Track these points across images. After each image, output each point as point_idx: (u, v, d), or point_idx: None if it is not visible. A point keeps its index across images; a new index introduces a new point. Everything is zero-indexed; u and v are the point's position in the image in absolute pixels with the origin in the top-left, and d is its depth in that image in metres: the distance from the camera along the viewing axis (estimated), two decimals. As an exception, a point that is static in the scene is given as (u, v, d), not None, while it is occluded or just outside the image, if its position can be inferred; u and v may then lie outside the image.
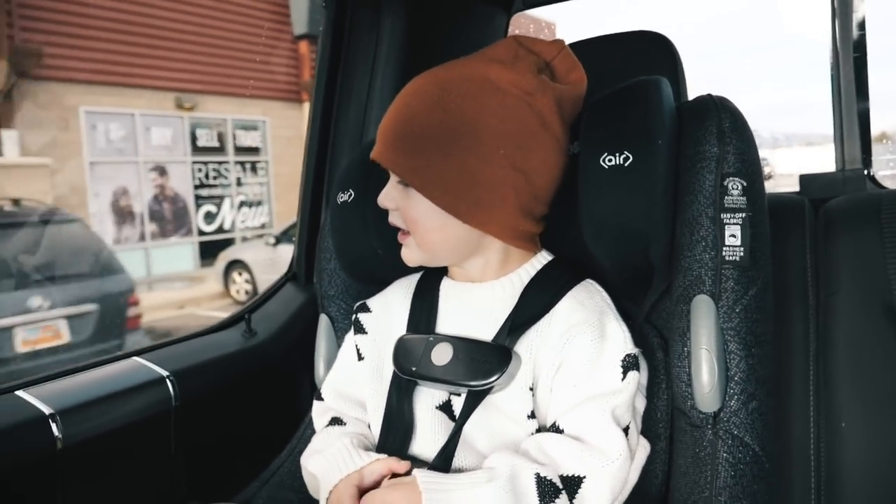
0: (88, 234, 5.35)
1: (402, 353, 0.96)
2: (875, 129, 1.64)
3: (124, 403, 1.21)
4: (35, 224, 4.73)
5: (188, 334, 1.51)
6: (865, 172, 1.55)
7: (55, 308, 4.10)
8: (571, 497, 0.82)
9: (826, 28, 1.67)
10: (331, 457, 0.94)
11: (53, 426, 1.09)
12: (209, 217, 10.46)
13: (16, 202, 5.18)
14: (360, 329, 1.08)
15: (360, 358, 1.06)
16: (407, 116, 0.91)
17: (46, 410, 1.10)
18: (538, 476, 0.82)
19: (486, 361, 0.89)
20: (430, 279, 1.04)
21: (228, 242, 10.30)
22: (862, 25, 1.62)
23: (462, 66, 0.93)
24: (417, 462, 0.93)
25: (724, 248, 0.91)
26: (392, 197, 0.95)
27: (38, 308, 4.06)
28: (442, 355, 0.92)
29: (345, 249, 1.17)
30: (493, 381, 0.88)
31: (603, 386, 0.87)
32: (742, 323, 0.90)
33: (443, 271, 1.04)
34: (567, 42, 1.49)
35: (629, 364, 0.88)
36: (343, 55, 1.63)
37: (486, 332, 0.94)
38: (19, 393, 1.13)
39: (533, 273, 0.97)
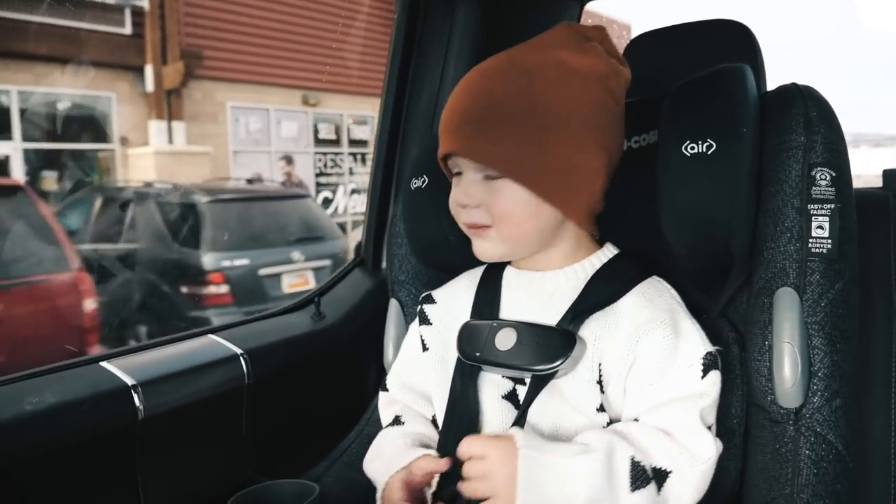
0: (318, 208, 6.97)
1: (466, 338, 0.96)
2: None
3: (201, 378, 1.25)
4: (285, 198, 6.52)
5: (260, 315, 1.55)
6: (955, 168, 1.49)
7: (307, 261, 5.62)
8: (658, 490, 0.81)
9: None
10: (385, 458, 0.97)
11: (135, 397, 1.13)
12: (326, 202, 11.21)
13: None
14: (424, 320, 1.08)
15: (426, 349, 1.07)
16: (488, 104, 0.89)
17: (129, 381, 1.14)
18: (633, 460, 0.81)
19: (551, 346, 0.88)
20: (495, 269, 1.04)
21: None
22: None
23: (535, 52, 0.92)
24: None
25: (811, 240, 0.88)
26: (473, 194, 0.91)
27: (297, 260, 5.58)
28: (506, 340, 0.92)
29: (417, 234, 1.18)
30: (557, 366, 0.87)
31: (685, 386, 0.85)
32: (827, 317, 0.87)
33: (506, 263, 1.03)
34: (645, 31, 1.48)
35: (710, 363, 0.86)
36: (416, 43, 1.64)
37: (550, 319, 0.93)
38: (104, 364, 1.18)
39: (598, 265, 0.96)
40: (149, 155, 8.74)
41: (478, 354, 0.94)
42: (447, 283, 1.11)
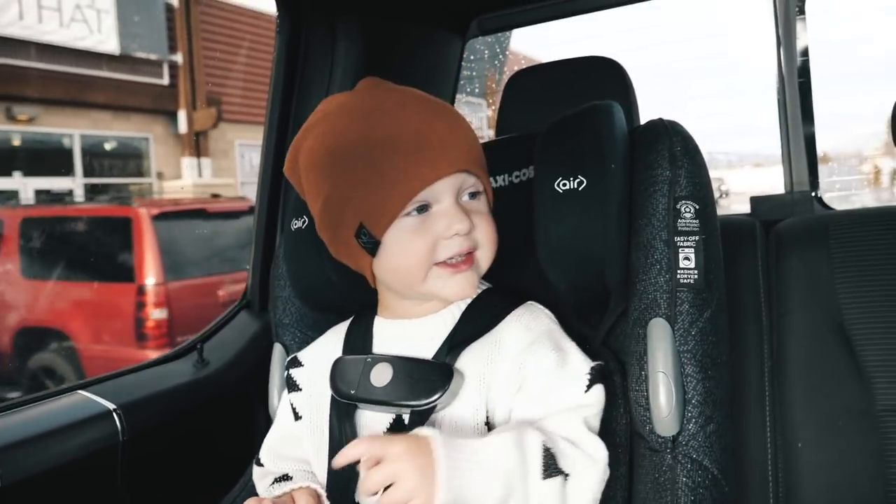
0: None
1: (339, 375, 0.93)
2: (818, 150, 1.69)
3: (67, 439, 1.16)
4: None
5: (136, 366, 1.47)
6: (813, 194, 1.59)
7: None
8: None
9: (769, 54, 1.71)
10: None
11: None
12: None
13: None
14: (293, 386, 1.04)
15: (298, 417, 1.02)
16: (463, 127, 0.92)
17: None
18: (544, 445, 0.79)
19: (428, 380, 0.86)
20: (362, 320, 1.01)
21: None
22: (805, 52, 1.67)
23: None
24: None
25: (679, 271, 0.91)
26: (465, 218, 0.88)
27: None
28: (381, 375, 0.89)
29: (299, 277, 1.15)
30: (436, 399, 0.85)
31: (569, 398, 0.86)
32: (698, 345, 0.90)
33: (373, 313, 1.01)
34: (523, 66, 1.52)
35: (594, 376, 0.87)
36: (297, 79, 1.62)
37: (425, 353, 0.91)
38: None
39: (470, 300, 0.95)
40: (186, 187, 10.09)
41: (352, 392, 0.90)
42: (313, 343, 1.07)
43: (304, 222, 1.13)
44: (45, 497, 1.12)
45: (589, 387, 0.86)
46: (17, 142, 9.30)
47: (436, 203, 0.89)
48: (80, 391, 1.27)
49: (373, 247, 0.90)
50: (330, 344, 1.03)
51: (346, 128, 0.89)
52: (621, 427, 0.97)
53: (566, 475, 0.80)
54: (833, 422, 1.16)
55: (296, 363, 1.05)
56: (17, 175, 8.91)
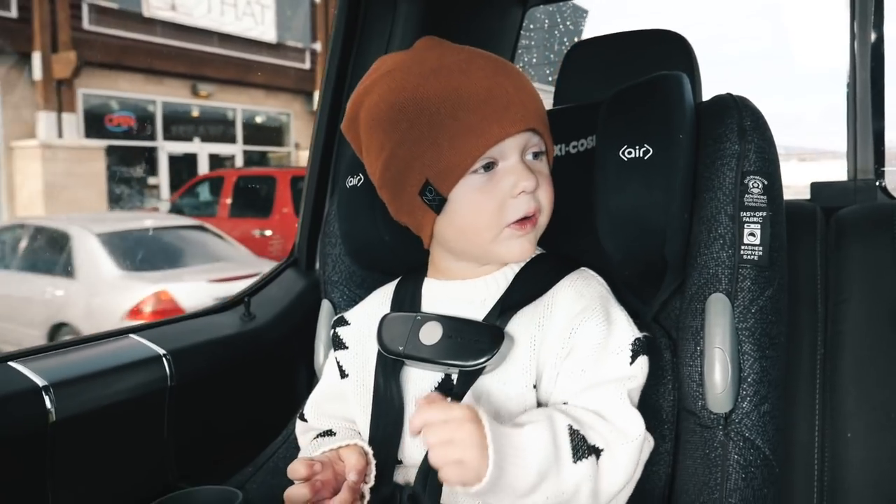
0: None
1: (387, 331, 0.92)
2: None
3: (119, 380, 1.19)
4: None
5: (185, 315, 1.49)
6: (878, 183, 1.55)
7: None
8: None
9: (835, 44, 1.67)
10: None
11: (46, 399, 1.07)
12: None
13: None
14: (339, 345, 1.04)
15: (344, 375, 1.02)
16: (526, 85, 0.91)
17: (40, 382, 1.07)
18: (571, 428, 0.79)
19: (478, 341, 0.86)
20: (410, 279, 1.01)
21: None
22: (880, 37, 1.62)
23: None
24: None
25: (743, 247, 0.90)
26: (529, 175, 0.87)
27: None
28: (431, 334, 0.88)
29: (351, 234, 1.15)
30: (485, 361, 0.84)
31: (614, 370, 0.85)
32: (757, 324, 0.89)
33: (422, 274, 1.00)
34: (585, 37, 1.49)
35: (638, 348, 0.86)
36: (357, 37, 1.61)
37: (475, 315, 0.91)
38: (13, 364, 1.11)
39: (522, 264, 0.94)
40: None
41: (400, 349, 0.90)
42: (360, 303, 1.07)
43: (359, 180, 1.12)
44: (96, 434, 1.15)
45: (633, 358, 0.85)
46: (196, 113, 11.74)
47: (502, 160, 0.88)
48: (132, 335, 1.30)
49: (438, 204, 0.89)
50: (376, 303, 1.03)
51: (412, 84, 0.88)
52: (668, 403, 0.96)
53: (599, 451, 0.80)
54: (885, 414, 1.13)
55: (342, 322, 1.05)
56: (196, 140, 11.52)
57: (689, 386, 0.92)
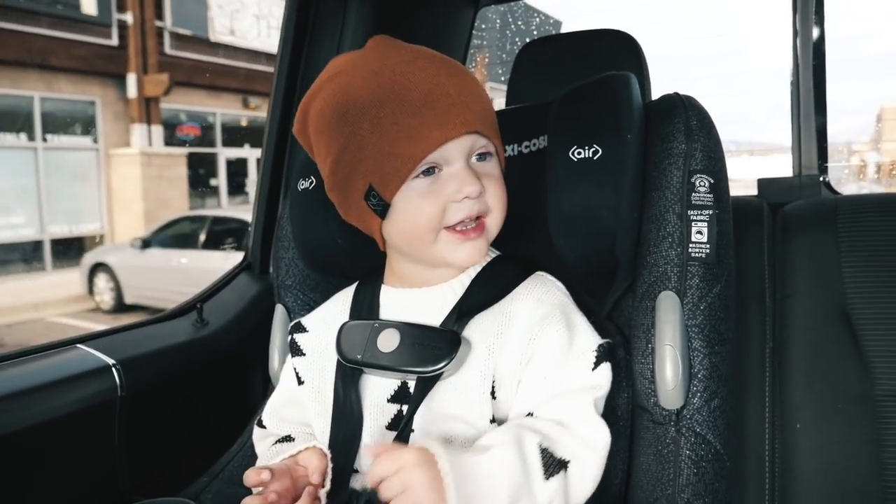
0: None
1: (345, 339, 0.92)
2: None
3: (66, 392, 1.16)
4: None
5: (136, 322, 1.46)
6: (821, 179, 1.59)
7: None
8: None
9: (779, 41, 1.71)
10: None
11: None
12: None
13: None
14: (297, 351, 1.03)
15: (301, 382, 1.01)
16: (471, 85, 0.88)
17: None
18: (541, 446, 0.79)
19: (435, 347, 0.85)
20: (368, 285, 1.00)
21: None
22: (822, 35, 1.66)
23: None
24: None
25: (691, 245, 0.91)
26: (475, 181, 0.86)
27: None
28: (389, 341, 0.88)
29: (304, 238, 1.14)
30: (442, 367, 0.84)
31: (578, 378, 0.85)
32: (706, 320, 0.90)
33: (379, 279, 0.99)
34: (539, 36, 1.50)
35: (602, 354, 0.87)
36: (307, 39, 1.59)
37: (433, 322, 0.90)
38: None
39: (479, 268, 0.94)
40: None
41: (359, 357, 0.89)
42: (317, 308, 1.06)
43: (311, 183, 1.11)
44: (43, 449, 1.11)
45: (596, 364, 0.86)
46: (245, 123, 13.05)
47: (445, 165, 0.87)
48: (79, 345, 1.27)
49: (382, 209, 0.88)
50: (335, 309, 1.02)
51: (354, 87, 0.86)
52: (623, 400, 0.97)
53: (566, 463, 0.80)
54: (832, 405, 1.16)
55: (300, 328, 1.04)
56: (246, 146, 12.82)
57: (641, 383, 0.93)
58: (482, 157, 0.90)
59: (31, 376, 1.15)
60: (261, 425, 1.06)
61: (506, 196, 0.91)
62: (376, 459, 0.75)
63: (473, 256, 0.90)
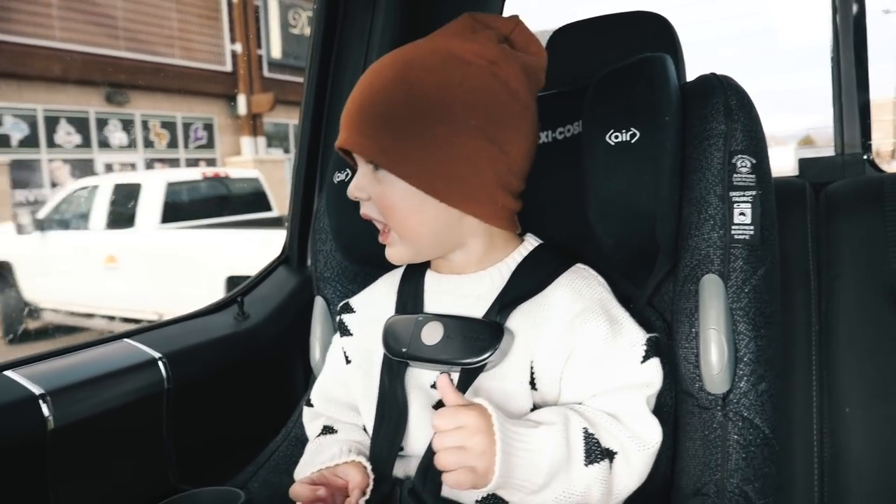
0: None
1: (391, 334, 0.93)
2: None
3: (116, 385, 1.19)
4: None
5: (179, 316, 1.49)
6: (865, 157, 1.55)
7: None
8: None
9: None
10: (319, 464, 0.93)
11: (44, 406, 1.06)
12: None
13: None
14: (345, 331, 1.05)
15: (348, 361, 1.03)
16: (369, 96, 0.87)
17: (37, 391, 1.07)
18: (586, 431, 0.80)
19: (478, 338, 0.86)
20: (414, 272, 1.01)
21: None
22: (862, 9, 1.62)
23: (422, 43, 0.91)
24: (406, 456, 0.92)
25: (734, 227, 0.90)
26: (363, 186, 0.89)
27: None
28: (432, 334, 0.89)
29: (341, 230, 1.15)
30: (486, 358, 0.85)
31: (628, 372, 0.85)
32: (751, 303, 0.89)
33: (426, 265, 1.00)
34: (565, 23, 1.48)
35: (650, 349, 0.86)
36: (337, 36, 1.60)
37: (475, 313, 0.91)
38: (8, 373, 1.10)
39: (520, 259, 0.94)
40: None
41: (404, 350, 0.91)
42: (365, 290, 1.08)
43: (347, 175, 1.12)
44: (95, 440, 1.14)
45: (645, 358, 0.85)
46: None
47: (358, 165, 0.92)
48: (126, 339, 1.30)
49: None
50: (382, 294, 1.03)
51: None
52: (665, 385, 0.96)
53: (613, 454, 0.81)
54: (882, 387, 1.14)
55: (348, 309, 1.06)
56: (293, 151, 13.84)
57: (685, 368, 0.92)
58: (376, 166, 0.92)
59: (84, 369, 1.18)
60: (309, 404, 1.08)
61: (398, 205, 0.89)
62: (439, 413, 0.78)
63: (391, 256, 0.94)
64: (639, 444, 0.82)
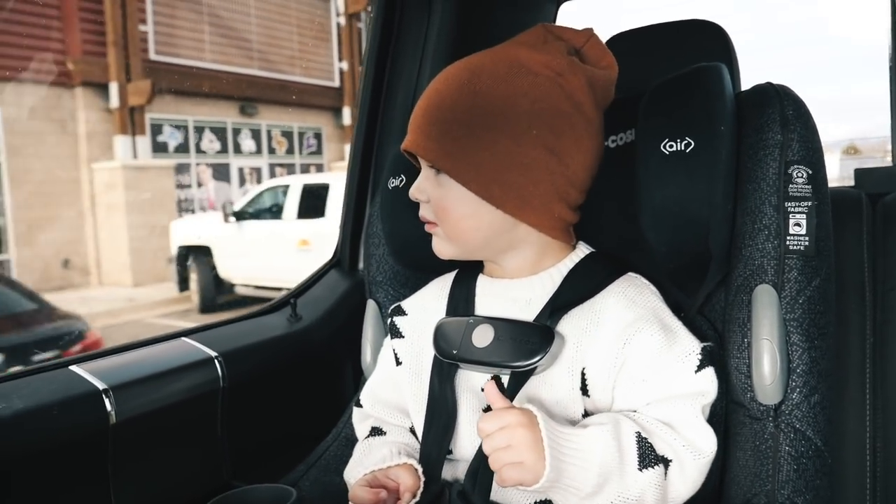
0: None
1: (441, 336, 0.94)
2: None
3: (174, 382, 1.22)
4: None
5: (234, 317, 1.53)
6: (924, 168, 1.51)
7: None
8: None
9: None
10: (368, 465, 0.95)
11: (107, 401, 1.11)
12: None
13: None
14: (396, 333, 1.06)
15: (399, 363, 1.05)
16: (437, 102, 0.90)
17: (100, 386, 1.11)
18: (639, 435, 0.81)
19: (529, 342, 0.87)
20: (466, 276, 1.02)
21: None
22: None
23: (492, 51, 0.93)
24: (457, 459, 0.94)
25: (789, 238, 0.89)
26: (423, 188, 0.93)
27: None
28: (483, 337, 0.90)
29: (394, 234, 1.17)
30: (536, 361, 0.85)
31: (683, 381, 0.85)
32: (805, 314, 0.88)
33: (478, 269, 1.01)
34: (620, 31, 1.48)
35: (705, 358, 0.86)
36: (392, 44, 1.63)
37: (526, 317, 0.92)
38: (74, 368, 1.15)
39: (571, 265, 0.95)
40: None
41: (454, 352, 0.92)
42: (417, 293, 1.09)
43: (401, 181, 1.14)
44: (154, 435, 1.18)
45: (700, 367, 0.85)
46: None
47: (422, 168, 0.95)
48: (183, 338, 1.34)
49: None
50: (433, 297, 1.05)
51: None
52: (717, 395, 0.96)
53: (668, 461, 0.81)
54: None
55: (399, 311, 1.08)
56: None
57: (736, 378, 0.92)
58: (437, 170, 0.94)
59: (144, 366, 1.22)
60: (359, 405, 1.10)
61: (454, 209, 0.92)
62: (483, 417, 0.80)
63: (436, 249, 0.97)
64: (694, 452, 0.82)
